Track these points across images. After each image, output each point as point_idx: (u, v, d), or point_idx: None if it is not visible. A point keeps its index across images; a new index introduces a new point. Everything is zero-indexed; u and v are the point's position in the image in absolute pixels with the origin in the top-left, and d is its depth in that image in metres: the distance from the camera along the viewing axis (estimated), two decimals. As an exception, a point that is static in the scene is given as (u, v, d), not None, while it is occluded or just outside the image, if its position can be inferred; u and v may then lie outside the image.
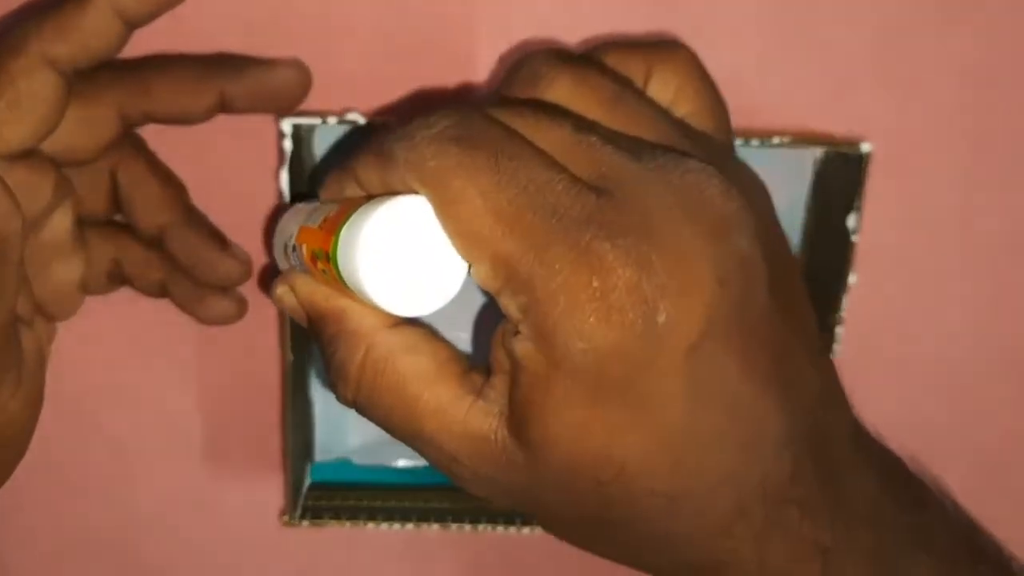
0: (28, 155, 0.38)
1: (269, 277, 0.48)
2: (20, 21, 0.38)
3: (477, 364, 0.34)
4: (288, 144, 0.43)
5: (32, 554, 0.53)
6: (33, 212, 0.39)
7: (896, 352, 0.52)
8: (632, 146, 0.31)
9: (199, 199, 0.47)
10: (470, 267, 0.30)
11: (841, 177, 0.46)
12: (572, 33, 0.45)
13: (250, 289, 0.49)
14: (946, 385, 0.53)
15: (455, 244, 0.30)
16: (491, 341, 0.33)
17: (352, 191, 0.33)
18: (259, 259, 0.48)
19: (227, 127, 0.46)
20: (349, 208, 0.31)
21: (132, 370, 0.50)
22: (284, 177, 0.43)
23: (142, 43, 0.44)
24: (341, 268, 0.31)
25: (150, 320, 0.49)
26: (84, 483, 0.52)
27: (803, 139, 0.46)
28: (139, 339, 0.50)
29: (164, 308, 0.49)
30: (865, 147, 0.44)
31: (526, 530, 0.49)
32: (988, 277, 0.51)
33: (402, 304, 0.30)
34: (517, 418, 0.31)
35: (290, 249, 0.37)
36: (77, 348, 0.49)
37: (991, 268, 0.51)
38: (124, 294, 0.48)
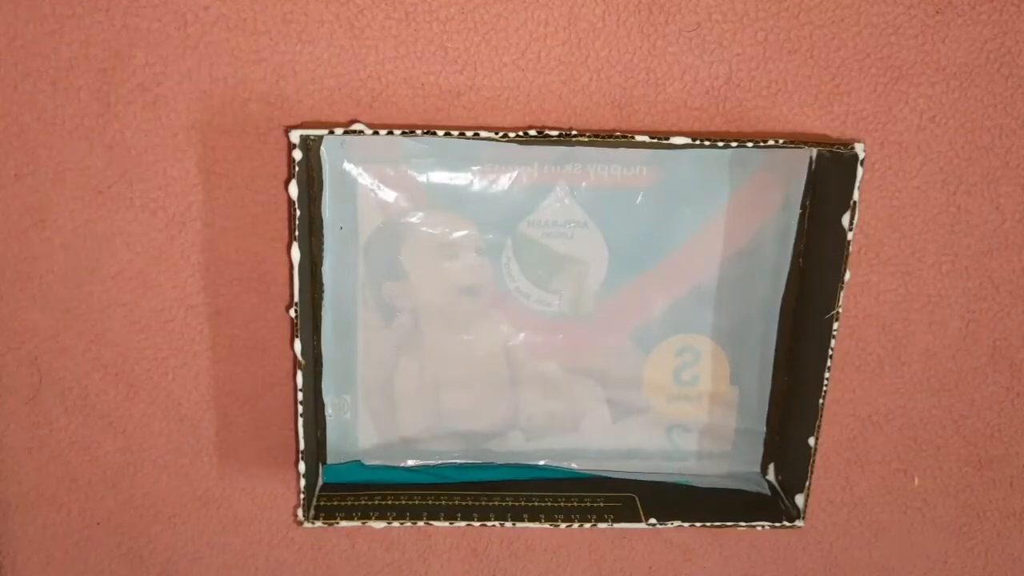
0: None
1: (277, 281, 0.49)
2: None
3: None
4: (297, 154, 0.43)
5: (41, 547, 0.54)
6: None
7: (890, 346, 0.53)
8: None
9: (209, 209, 0.48)
10: None
11: (836, 177, 0.47)
12: (570, 33, 0.46)
13: (263, 294, 0.49)
14: (938, 379, 0.54)
15: None
16: None
17: None
18: (274, 264, 0.48)
19: (236, 137, 0.47)
20: None
21: (146, 370, 0.51)
22: (293, 187, 0.44)
23: (149, 44, 0.45)
24: None
25: (164, 321, 0.50)
26: (97, 481, 0.53)
27: (799, 140, 0.47)
28: (153, 340, 0.50)
29: (178, 310, 0.50)
30: (859, 148, 0.45)
31: (532, 526, 0.50)
32: (979, 274, 0.52)
33: None
34: None
35: None
36: (92, 347, 0.50)
37: (982, 265, 0.52)
38: (139, 294, 0.49)
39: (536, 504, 0.51)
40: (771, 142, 0.45)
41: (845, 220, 0.46)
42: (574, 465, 0.55)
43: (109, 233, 0.48)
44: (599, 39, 0.46)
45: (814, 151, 0.49)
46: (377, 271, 0.50)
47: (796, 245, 0.50)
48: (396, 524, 0.49)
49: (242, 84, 0.46)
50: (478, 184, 0.49)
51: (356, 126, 0.44)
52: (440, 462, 0.54)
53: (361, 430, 0.53)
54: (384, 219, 0.49)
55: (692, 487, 0.54)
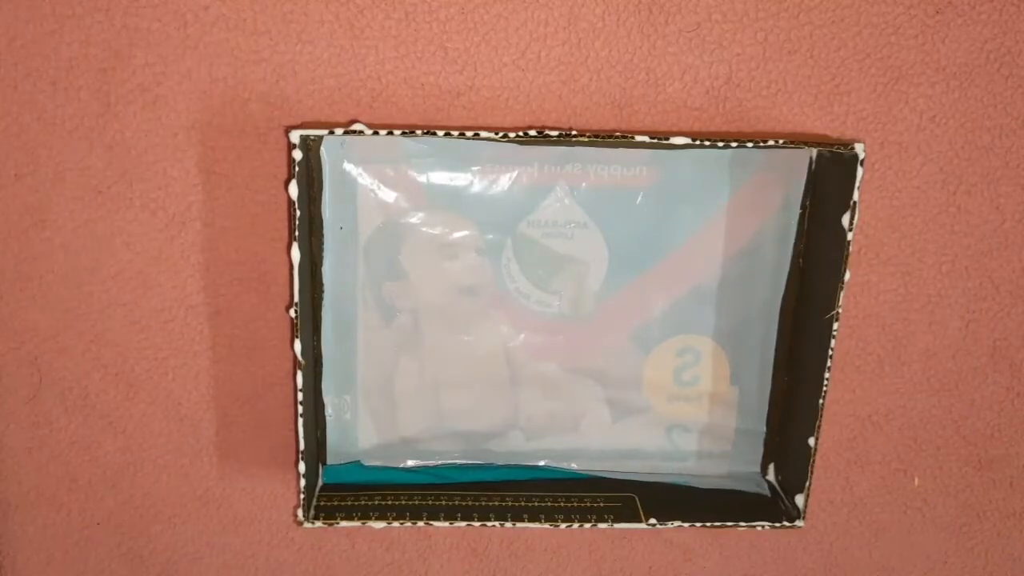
0: None
1: (277, 281, 0.49)
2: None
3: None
4: (297, 154, 0.43)
5: (41, 547, 0.54)
6: None
7: (890, 346, 0.53)
8: None
9: (209, 209, 0.48)
10: None
11: (836, 177, 0.47)
12: (570, 33, 0.46)
13: (263, 294, 0.49)
14: (938, 379, 0.54)
15: None
16: None
17: None
18: (274, 264, 0.48)
19: (236, 137, 0.47)
20: None
21: (146, 370, 0.51)
22: (293, 187, 0.44)
23: (149, 44, 0.45)
24: None
25: (164, 321, 0.50)
26: (97, 481, 0.53)
27: (799, 140, 0.47)
28: (153, 340, 0.50)
29: (178, 310, 0.49)
30: (859, 148, 0.45)
31: (532, 526, 0.50)
32: (979, 274, 0.52)
33: None
34: None
35: None
36: (92, 347, 0.50)
37: (982, 265, 0.52)
38: (139, 294, 0.49)
39: (536, 504, 0.51)
40: (771, 142, 0.45)
41: (845, 220, 0.46)
42: (574, 465, 0.55)
43: (109, 233, 0.48)
44: (599, 39, 0.46)
45: (814, 151, 0.49)
46: (377, 271, 0.50)
47: (796, 245, 0.50)
48: (396, 524, 0.49)
49: (242, 84, 0.46)
50: (478, 184, 0.49)
51: (356, 126, 0.44)
52: (440, 462, 0.54)
53: (361, 430, 0.53)
54: (384, 219, 0.49)
55: (692, 487, 0.54)
